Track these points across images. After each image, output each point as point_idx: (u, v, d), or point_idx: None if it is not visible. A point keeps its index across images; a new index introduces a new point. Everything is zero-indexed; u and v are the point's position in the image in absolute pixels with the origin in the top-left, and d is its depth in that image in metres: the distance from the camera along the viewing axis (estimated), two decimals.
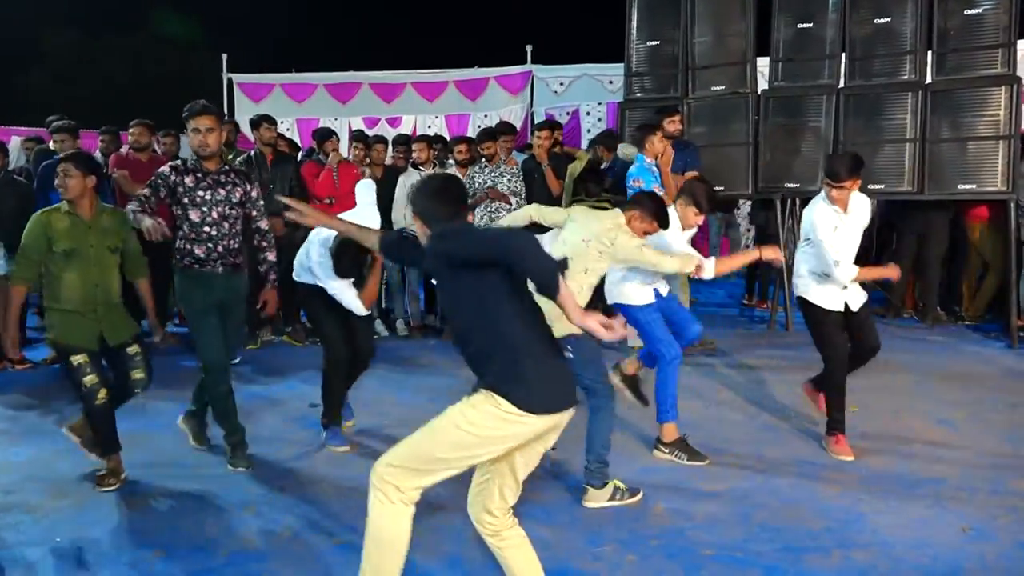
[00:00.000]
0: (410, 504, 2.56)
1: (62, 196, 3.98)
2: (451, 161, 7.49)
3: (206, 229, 4.19)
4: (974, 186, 6.56)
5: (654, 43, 7.69)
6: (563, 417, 2.56)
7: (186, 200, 4.17)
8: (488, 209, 6.75)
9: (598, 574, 3.14)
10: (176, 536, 3.48)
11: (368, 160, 7.32)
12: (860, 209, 4.38)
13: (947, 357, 6.31)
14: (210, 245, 4.20)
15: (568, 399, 2.56)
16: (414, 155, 7.43)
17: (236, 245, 4.30)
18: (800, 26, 7.16)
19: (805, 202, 7.46)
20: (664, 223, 4.04)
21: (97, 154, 7.49)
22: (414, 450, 2.55)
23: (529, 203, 6.88)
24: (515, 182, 6.81)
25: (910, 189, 6.79)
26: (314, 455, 4.42)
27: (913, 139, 6.73)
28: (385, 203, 7.22)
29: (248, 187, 4.35)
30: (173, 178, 4.17)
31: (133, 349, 4.08)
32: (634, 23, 7.76)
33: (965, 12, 6.53)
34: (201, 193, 4.19)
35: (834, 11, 7.01)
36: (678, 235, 4.50)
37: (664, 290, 4.51)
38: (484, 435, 2.48)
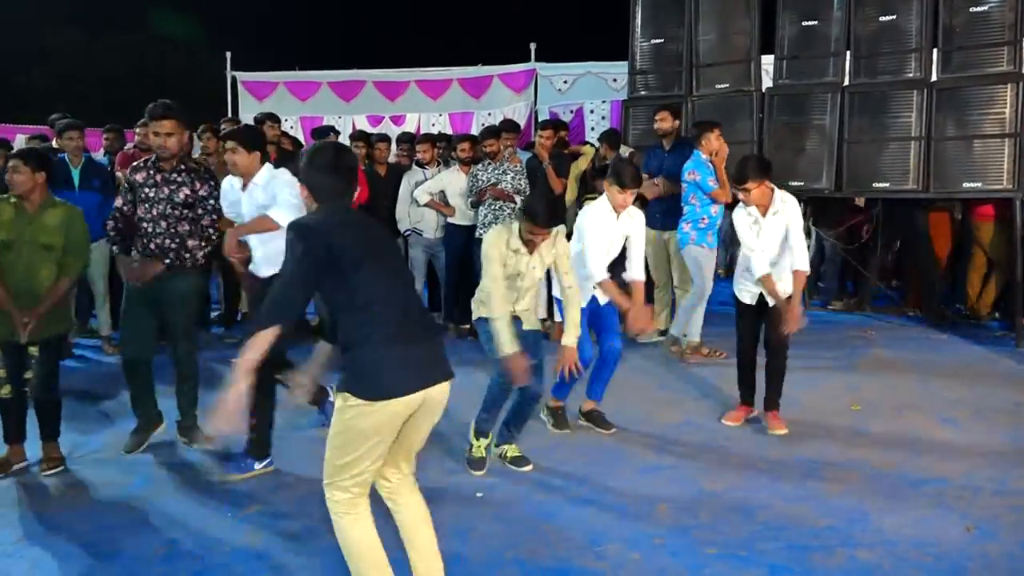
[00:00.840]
0: (355, 511, 2.67)
1: (11, 190, 4.10)
2: (455, 159, 7.48)
3: (144, 225, 4.35)
4: (980, 184, 6.52)
5: (658, 41, 7.69)
6: (429, 394, 2.61)
7: (131, 196, 4.39)
8: (492, 207, 6.73)
9: (602, 573, 3.13)
10: (178, 535, 3.49)
11: (369, 159, 7.31)
12: (785, 210, 4.53)
13: (951, 356, 6.30)
14: (144, 240, 4.35)
15: (425, 378, 2.59)
16: (418, 155, 7.41)
17: (173, 245, 4.33)
18: (805, 24, 7.13)
19: (809, 201, 7.51)
20: (540, 222, 3.88)
21: (101, 152, 7.52)
22: (326, 463, 2.67)
23: None
24: (519, 180, 6.78)
25: (915, 187, 6.75)
26: (314, 454, 4.40)
27: (918, 137, 6.69)
28: (389, 202, 7.23)
29: (197, 186, 4.39)
30: (131, 177, 4.40)
31: (34, 350, 4.12)
32: (638, 21, 7.75)
33: (971, 9, 6.47)
34: (147, 190, 4.36)
35: (839, 8, 6.97)
36: (611, 223, 4.42)
37: (603, 299, 4.50)
38: (355, 431, 2.56)
